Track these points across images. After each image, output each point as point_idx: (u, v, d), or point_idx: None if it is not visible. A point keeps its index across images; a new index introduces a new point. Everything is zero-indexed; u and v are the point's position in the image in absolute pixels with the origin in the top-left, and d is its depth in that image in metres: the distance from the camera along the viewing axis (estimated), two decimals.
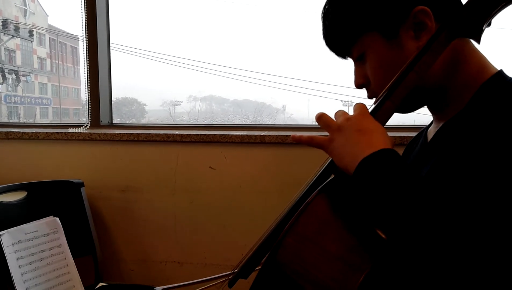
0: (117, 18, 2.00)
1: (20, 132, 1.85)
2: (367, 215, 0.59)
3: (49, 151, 1.84)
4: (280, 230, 0.63)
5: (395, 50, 0.68)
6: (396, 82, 0.65)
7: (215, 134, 1.69)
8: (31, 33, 5.26)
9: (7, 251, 1.30)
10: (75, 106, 6.62)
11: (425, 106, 0.75)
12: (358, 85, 0.76)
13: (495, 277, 0.48)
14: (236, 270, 0.80)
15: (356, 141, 0.61)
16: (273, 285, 0.61)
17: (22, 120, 5.57)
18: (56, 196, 1.66)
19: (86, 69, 1.95)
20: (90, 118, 1.97)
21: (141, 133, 1.75)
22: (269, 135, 1.64)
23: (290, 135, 1.60)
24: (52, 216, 1.46)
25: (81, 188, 1.69)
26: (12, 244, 1.32)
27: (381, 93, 0.67)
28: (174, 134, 1.72)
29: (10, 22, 4.66)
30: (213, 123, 2.26)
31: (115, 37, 2.00)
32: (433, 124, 0.77)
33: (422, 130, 0.82)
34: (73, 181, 1.70)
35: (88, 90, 1.96)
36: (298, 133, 0.69)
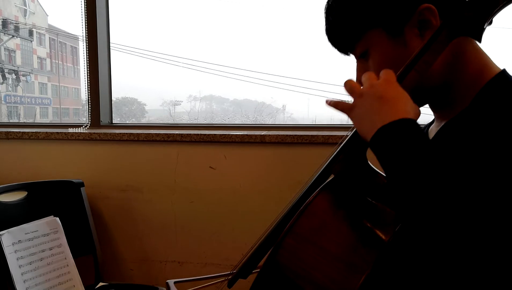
0: (117, 18, 2.00)
1: (20, 132, 1.85)
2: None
3: (49, 151, 1.84)
4: (280, 230, 0.63)
5: (399, 47, 0.68)
6: (397, 80, 0.65)
7: (215, 134, 1.69)
8: (31, 33, 5.26)
9: (7, 251, 1.30)
10: (75, 106, 6.62)
11: (426, 105, 0.75)
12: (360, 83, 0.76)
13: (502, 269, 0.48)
14: (235, 270, 0.80)
15: (376, 109, 0.60)
16: (273, 286, 0.61)
17: (22, 120, 5.57)
18: (56, 196, 1.66)
19: (86, 69, 1.95)
20: (90, 118, 1.97)
21: (141, 133, 1.75)
22: (269, 135, 1.64)
23: (289, 135, 1.61)
24: (52, 216, 1.46)
25: (81, 188, 1.69)
26: (12, 244, 1.32)
27: None
28: (174, 133, 1.72)
29: (10, 22, 4.66)
30: (213, 122, 2.26)
31: (115, 36, 2.00)
32: (434, 122, 0.76)
33: (423, 129, 0.82)
34: (73, 181, 1.70)
35: (88, 90, 1.95)
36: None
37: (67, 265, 1.43)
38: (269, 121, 2.33)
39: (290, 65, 2.57)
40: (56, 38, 6.02)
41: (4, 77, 4.31)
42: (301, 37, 2.55)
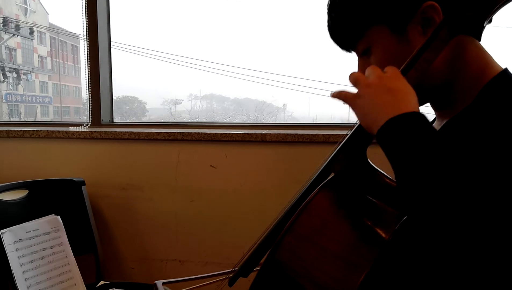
0: (118, 17, 2.00)
1: (21, 130, 1.85)
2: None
3: (50, 150, 1.84)
4: (280, 229, 0.63)
5: (402, 45, 0.68)
6: None
7: (216, 133, 1.69)
8: (31, 31, 5.25)
9: (9, 250, 1.30)
10: (75, 105, 6.63)
11: (428, 103, 0.75)
12: None
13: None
14: (236, 269, 0.80)
15: (385, 100, 0.59)
16: (273, 284, 0.61)
17: (23, 119, 5.57)
18: (57, 195, 1.66)
19: (86, 68, 1.95)
20: (91, 116, 1.97)
21: (142, 132, 1.75)
22: (270, 134, 1.64)
23: (290, 134, 1.61)
24: (53, 214, 1.47)
25: (82, 187, 1.69)
26: (14, 243, 1.33)
27: None
28: (175, 132, 1.72)
29: (11, 20, 4.66)
30: (214, 121, 2.26)
31: (116, 35, 2.00)
32: (435, 121, 0.76)
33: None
34: (74, 179, 1.70)
35: (89, 88, 1.96)
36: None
37: (68, 264, 1.44)
38: (270, 120, 2.34)
39: (291, 64, 2.57)
40: (56, 37, 6.01)
41: (5, 76, 4.31)
42: (302, 36, 2.55)
